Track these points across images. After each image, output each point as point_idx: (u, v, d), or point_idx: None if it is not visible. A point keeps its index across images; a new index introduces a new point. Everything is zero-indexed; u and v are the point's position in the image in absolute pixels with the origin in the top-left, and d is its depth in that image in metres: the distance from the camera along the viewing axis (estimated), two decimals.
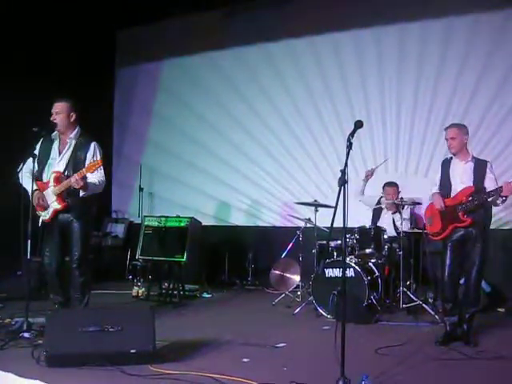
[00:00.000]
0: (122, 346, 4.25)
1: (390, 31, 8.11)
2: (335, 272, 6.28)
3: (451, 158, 5.30)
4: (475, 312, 5.18)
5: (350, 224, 4.04)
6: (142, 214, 9.29)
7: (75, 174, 5.15)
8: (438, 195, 5.28)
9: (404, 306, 6.47)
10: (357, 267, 6.21)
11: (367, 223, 7.09)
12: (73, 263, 5.37)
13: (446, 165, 5.32)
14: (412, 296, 6.52)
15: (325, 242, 6.98)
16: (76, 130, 5.47)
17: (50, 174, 5.37)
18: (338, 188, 3.85)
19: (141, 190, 9.66)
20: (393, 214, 7.19)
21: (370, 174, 7.18)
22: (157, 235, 7.55)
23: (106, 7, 8.81)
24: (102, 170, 5.39)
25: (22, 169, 5.28)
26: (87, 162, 5.32)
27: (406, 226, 6.89)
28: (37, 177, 5.34)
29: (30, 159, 5.26)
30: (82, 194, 5.29)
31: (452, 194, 5.19)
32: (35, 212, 5.32)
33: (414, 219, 7.17)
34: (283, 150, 8.87)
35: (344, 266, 4.19)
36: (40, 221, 5.42)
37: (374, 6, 8.09)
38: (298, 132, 8.77)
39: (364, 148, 8.01)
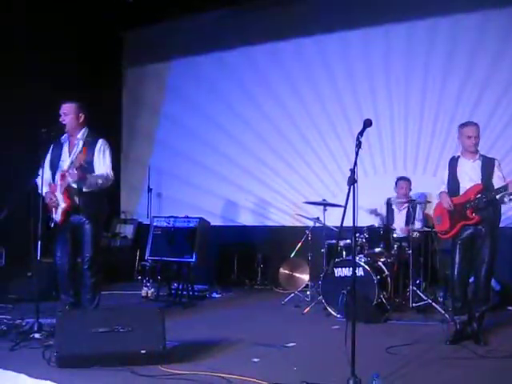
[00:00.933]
0: (132, 347, 4.27)
1: (397, 30, 8.08)
2: (344, 271, 6.27)
3: (458, 156, 5.30)
4: (485, 310, 5.16)
5: (360, 223, 4.03)
6: (150, 215, 9.31)
7: (70, 169, 5.17)
8: (445, 194, 5.28)
9: (414, 304, 6.47)
10: (366, 266, 6.20)
11: (376, 222, 7.09)
12: (84, 264, 5.40)
13: (453, 163, 5.31)
14: (422, 295, 6.51)
15: (334, 241, 6.97)
16: (83, 130, 5.49)
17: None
18: (346, 187, 3.85)
19: (149, 190, 9.67)
20: (401, 210, 7.19)
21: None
22: (166, 236, 7.54)
23: (113, 7, 8.83)
24: (109, 165, 5.40)
25: (38, 175, 5.33)
26: (95, 160, 5.34)
27: (418, 225, 6.90)
28: (50, 182, 5.39)
29: (47, 167, 5.30)
30: (84, 188, 5.28)
31: (460, 192, 5.18)
32: (45, 214, 5.34)
33: (425, 218, 7.16)
34: (291, 150, 8.86)
35: (354, 266, 4.17)
36: (52, 223, 5.43)
37: (382, 5, 8.07)
38: (306, 131, 8.75)
39: (373, 147, 8.01)
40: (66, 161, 5.44)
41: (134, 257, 9.18)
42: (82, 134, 5.47)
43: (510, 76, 7.28)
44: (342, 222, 3.92)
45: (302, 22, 8.69)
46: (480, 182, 5.08)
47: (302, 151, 8.79)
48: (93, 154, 5.38)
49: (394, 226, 7.02)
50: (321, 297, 6.46)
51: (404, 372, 4.18)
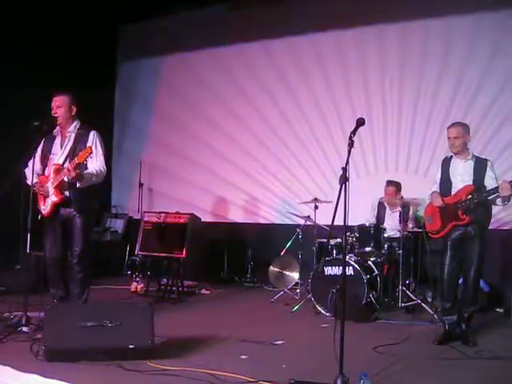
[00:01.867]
0: (121, 342, 4.26)
1: (392, 30, 8.10)
2: (334, 270, 6.27)
3: (451, 156, 5.30)
4: (474, 311, 5.19)
5: (351, 222, 4.03)
6: (141, 210, 9.29)
7: (68, 165, 5.14)
8: (436, 194, 5.29)
9: (403, 304, 6.49)
10: (356, 265, 6.21)
11: (368, 221, 7.10)
12: (73, 258, 5.35)
13: (446, 163, 5.32)
14: (411, 295, 6.54)
15: (324, 239, 6.98)
16: (75, 123, 5.47)
17: (51, 167, 5.37)
18: (337, 186, 3.85)
19: (141, 185, 9.65)
20: (393, 212, 7.19)
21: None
22: (156, 231, 7.52)
23: (109, 1, 8.79)
24: (102, 159, 5.36)
25: (27, 166, 5.29)
26: None
27: (409, 226, 6.93)
28: (40, 173, 5.36)
29: (37, 158, 5.28)
30: (78, 184, 5.25)
31: (452, 193, 5.19)
32: (35, 206, 5.31)
33: (417, 219, 7.18)
34: (283, 148, 8.87)
35: (344, 264, 4.16)
36: (39, 216, 5.41)
37: (376, 4, 8.07)
38: (299, 129, 8.76)
39: (365, 146, 8.02)
40: (57, 153, 5.42)
41: (124, 251, 9.18)
42: (73, 127, 5.45)
43: (504, 78, 7.30)
44: (332, 221, 3.91)
45: (296, 20, 8.69)
46: (471, 183, 5.10)
47: (294, 149, 8.79)
48: (85, 147, 5.34)
49: (385, 225, 7.02)
50: (310, 295, 6.47)
51: (392, 371, 4.19)
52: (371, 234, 6.70)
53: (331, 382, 3.62)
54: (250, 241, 8.92)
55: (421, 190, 6.50)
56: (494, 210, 5.36)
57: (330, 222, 3.90)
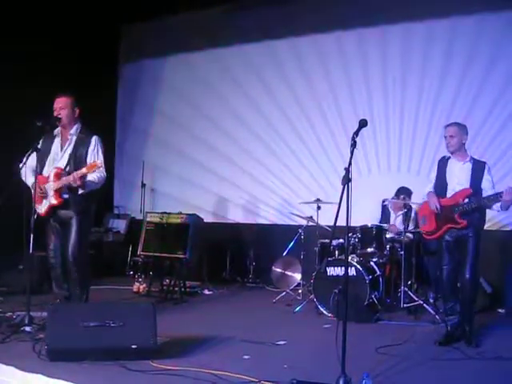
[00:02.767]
0: (124, 342, 4.27)
1: (394, 31, 8.10)
2: (336, 270, 6.28)
3: (449, 157, 5.25)
4: (474, 312, 5.14)
5: (353, 223, 4.04)
6: (143, 210, 9.31)
7: (74, 173, 5.16)
8: (433, 194, 5.25)
9: (405, 305, 6.48)
10: (358, 266, 6.21)
11: (369, 222, 7.10)
12: (69, 259, 5.35)
13: (443, 164, 5.27)
14: (413, 295, 6.53)
15: (327, 240, 6.98)
16: (76, 125, 5.48)
17: (51, 169, 5.37)
18: (340, 187, 3.86)
19: (143, 185, 9.66)
20: (398, 216, 7.18)
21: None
22: (158, 231, 7.53)
23: (110, 2, 8.80)
24: (103, 167, 5.38)
25: (24, 164, 5.29)
26: (89, 157, 5.34)
27: (411, 227, 6.91)
28: (38, 172, 5.36)
29: (34, 155, 5.28)
30: (80, 191, 5.29)
31: (448, 194, 5.15)
32: (31, 206, 5.31)
33: (416, 219, 7.16)
34: (286, 148, 8.87)
35: (346, 265, 4.17)
36: (35, 215, 5.40)
37: (378, 5, 8.07)
38: (301, 130, 8.76)
39: (367, 147, 8.03)
40: (57, 154, 5.42)
41: (127, 252, 9.18)
42: (75, 130, 5.45)
43: (506, 79, 7.30)
44: (335, 221, 3.92)
45: (298, 20, 8.69)
46: (469, 186, 5.06)
47: (296, 150, 8.80)
48: (86, 151, 5.36)
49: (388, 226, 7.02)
50: (312, 296, 6.47)
51: (394, 372, 4.19)
52: (373, 234, 6.69)
53: (333, 383, 3.62)
54: (252, 241, 8.91)
55: (423, 190, 6.51)
56: (495, 212, 5.34)
57: (332, 223, 3.91)
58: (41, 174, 5.41)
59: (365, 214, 7.23)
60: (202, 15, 9.37)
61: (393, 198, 7.13)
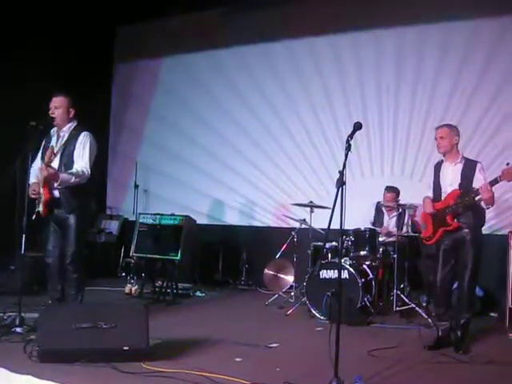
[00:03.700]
0: (115, 343, 4.25)
1: (388, 34, 8.14)
2: (329, 273, 6.28)
3: (442, 160, 5.25)
4: (469, 318, 5.09)
5: (346, 226, 4.03)
6: (136, 212, 9.29)
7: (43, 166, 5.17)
8: (427, 199, 5.26)
9: (397, 308, 6.50)
10: (351, 269, 6.22)
11: (363, 225, 7.11)
12: (66, 259, 5.33)
13: (437, 168, 5.27)
14: (405, 299, 6.54)
15: (319, 243, 6.99)
16: (70, 124, 5.44)
17: None
18: (333, 190, 3.85)
19: (136, 187, 9.64)
20: (391, 218, 7.20)
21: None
22: (151, 233, 7.51)
23: (106, 2, 8.80)
24: (87, 160, 5.28)
25: (31, 166, 5.29)
26: (76, 152, 5.29)
27: (404, 230, 6.93)
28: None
29: (39, 158, 5.28)
30: (55, 184, 5.20)
31: (443, 197, 5.15)
32: (30, 207, 5.29)
33: (412, 223, 7.18)
34: (280, 151, 8.88)
35: (340, 268, 4.16)
36: (34, 215, 5.38)
37: (373, 8, 8.09)
38: (295, 133, 8.78)
39: (361, 151, 8.03)
40: None
41: (119, 253, 9.16)
42: (67, 128, 5.42)
43: (499, 83, 7.33)
44: (329, 224, 3.91)
45: (294, 23, 8.71)
46: (458, 187, 5.04)
47: (290, 153, 8.81)
48: (74, 146, 5.32)
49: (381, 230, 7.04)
50: (305, 298, 6.47)
51: (386, 375, 4.19)
52: (366, 237, 6.71)
53: None
54: (245, 243, 8.91)
55: (416, 194, 6.51)
56: (488, 215, 5.33)
57: (325, 226, 3.90)
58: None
59: (358, 217, 7.23)
60: (198, 17, 9.38)
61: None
